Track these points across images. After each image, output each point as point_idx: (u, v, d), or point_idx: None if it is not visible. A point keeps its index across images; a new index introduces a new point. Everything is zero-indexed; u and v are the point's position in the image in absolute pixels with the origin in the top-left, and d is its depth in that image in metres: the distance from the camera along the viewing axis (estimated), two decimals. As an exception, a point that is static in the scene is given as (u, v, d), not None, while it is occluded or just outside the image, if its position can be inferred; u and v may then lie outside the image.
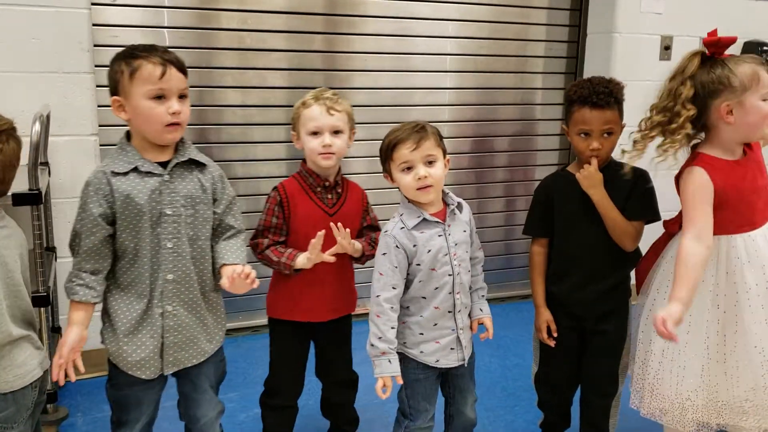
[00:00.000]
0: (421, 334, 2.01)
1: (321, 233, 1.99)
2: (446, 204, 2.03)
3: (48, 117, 2.49)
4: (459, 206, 2.04)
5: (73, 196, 2.77)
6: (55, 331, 2.73)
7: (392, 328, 1.95)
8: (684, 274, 1.89)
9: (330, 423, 2.43)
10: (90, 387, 2.81)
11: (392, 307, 1.95)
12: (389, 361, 1.93)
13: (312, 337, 2.23)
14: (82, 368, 1.76)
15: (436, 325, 2.00)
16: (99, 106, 2.84)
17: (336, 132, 2.08)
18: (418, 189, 1.93)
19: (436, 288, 1.98)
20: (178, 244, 1.80)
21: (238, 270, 1.80)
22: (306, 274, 2.07)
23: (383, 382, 1.93)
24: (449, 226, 2.00)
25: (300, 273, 2.07)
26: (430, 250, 1.96)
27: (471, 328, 2.10)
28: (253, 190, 3.38)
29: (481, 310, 2.12)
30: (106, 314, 1.84)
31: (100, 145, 2.85)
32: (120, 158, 1.78)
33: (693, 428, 2.03)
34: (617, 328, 2.21)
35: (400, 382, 1.98)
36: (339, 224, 2.04)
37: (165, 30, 3.07)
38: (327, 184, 2.12)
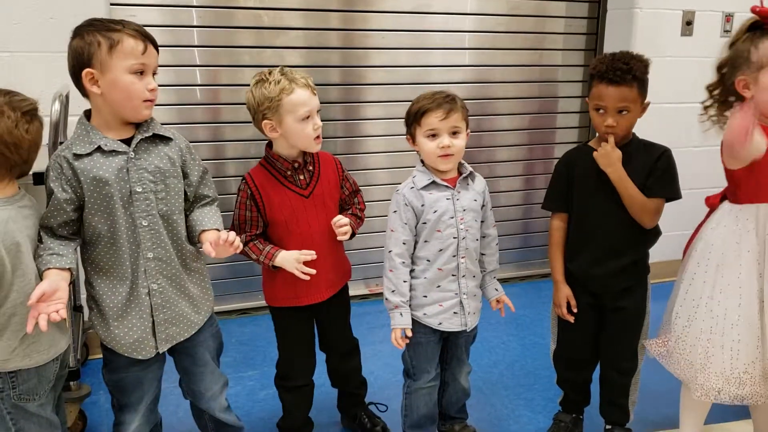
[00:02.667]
0: (425, 296, 2.08)
1: (311, 253, 2.01)
2: (459, 173, 2.09)
3: (67, 97, 2.50)
4: (471, 175, 2.10)
5: (93, 175, 2.80)
6: (77, 309, 2.75)
7: (404, 281, 2.06)
8: None
9: (338, 391, 2.44)
10: (112, 365, 2.85)
11: (403, 262, 2.05)
12: (401, 314, 2.05)
13: (314, 315, 2.24)
14: (56, 317, 1.57)
15: (439, 287, 2.07)
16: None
17: (318, 111, 2.05)
18: (439, 156, 2.01)
19: (440, 250, 2.05)
20: (153, 221, 1.78)
21: (223, 236, 1.78)
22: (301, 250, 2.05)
23: (395, 335, 2.04)
24: (459, 192, 2.06)
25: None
26: (436, 211, 2.03)
27: (491, 305, 2.18)
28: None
29: (496, 290, 2.20)
30: (92, 300, 1.82)
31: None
32: (81, 139, 1.72)
33: (753, 401, 1.99)
34: (636, 304, 2.20)
35: (410, 335, 2.05)
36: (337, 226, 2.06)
37: (181, 9, 3.05)
38: (296, 165, 2.06)
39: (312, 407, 2.34)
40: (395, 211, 2.06)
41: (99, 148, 1.71)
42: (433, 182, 2.05)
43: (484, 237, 2.16)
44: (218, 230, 1.86)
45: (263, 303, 3.45)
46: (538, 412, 2.59)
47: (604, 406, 2.34)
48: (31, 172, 1.99)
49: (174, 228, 1.83)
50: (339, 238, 2.09)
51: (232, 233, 1.81)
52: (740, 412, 2.37)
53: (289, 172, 2.06)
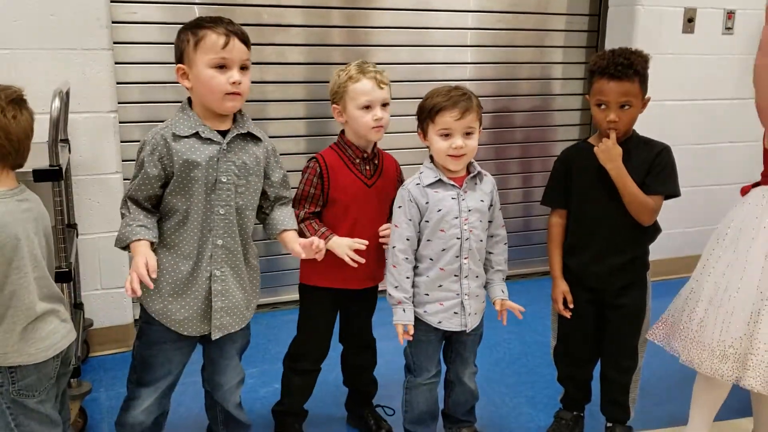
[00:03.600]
0: (427, 294, 2.07)
1: (363, 243, 2.04)
2: (468, 172, 2.07)
3: (67, 93, 2.50)
4: (479, 175, 2.08)
5: (93, 172, 2.81)
6: (77, 306, 2.75)
7: (407, 278, 2.06)
8: None
9: (350, 389, 2.45)
10: (113, 362, 2.85)
11: (407, 258, 2.04)
12: (404, 310, 2.05)
13: (340, 304, 2.25)
14: (151, 285, 1.72)
15: (440, 286, 2.06)
16: (118, 83, 2.85)
17: (384, 105, 2.10)
18: (449, 155, 1.99)
19: (443, 249, 2.04)
20: (229, 211, 1.85)
21: (316, 242, 1.89)
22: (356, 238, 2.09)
23: (398, 329, 2.05)
24: (465, 192, 2.04)
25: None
26: (440, 210, 2.02)
27: (495, 306, 2.17)
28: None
29: (502, 291, 2.18)
30: None
31: (120, 122, 2.86)
32: (182, 121, 1.82)
33: (729, 380, 2.01)
34: (635, 302, 2.20)
35: (412, 331, 2.06)
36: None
37: (182, 6, 3.05)
38: (366, 155, 2.13)
39: (311, 401, 2.35)
40: (400, 207, 2.06)
41: (197, 134, 1.81)
42: (440, 180, 2.03)
43: (492, 237, 2.15)
44: (296, 230, 1.99)
45: (264, 301, 3.48)
46: (539, 409, 2.59)
47: (605, 403, 2.34)
48: (30, 169, 1.99)
49: (245, 222, 1.90)
50: (385, 247, 2.15)
51: (322, 242, 1.92)
52: (746, 409, 2.36)
53: (358, 160, 2.13)
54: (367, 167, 2.15)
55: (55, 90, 2.21)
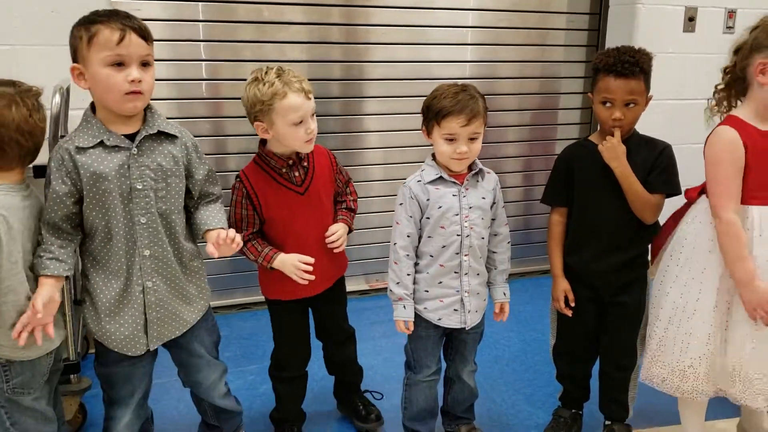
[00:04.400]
0: (426, 291, 2.07)
1: (307, 259, 2.01)
2: (469, 169, 2.06)
3: (68, 90, 2.50)
4: (481, 173, 2.08)
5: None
6: (77, 303, 2.75)
7: (408, 274, 2.05)
8: (743, 250, 1.90)
9: (335, 378, 2.45)
10: (112, 358, 2.85)
11: (407, 255, 2.05)
12: (404, 306, 2.05)
13: (310, 305, 2.24)
14: (51, 333, 1.68)
15: (440, 283, 2.06)
16: (118, 80, 2.84)
17: (312, 115, 2.00)
18: (453, 159, 1.98)
19: (443, 246, 2.03)
20: (152, 219, 1.76)
21: (222, 235, 1.77)
22: (300, 255, 2.04)
23: (398, 326, 2.06)
24: (467, 189, 2.04)
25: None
26: (440, 207, 2.01)
27: (495, 308, 2.18)
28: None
29: (504, 294, 2.18)
30: (86, 293, 1.82)
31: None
32: (85, 132, 1.71)
33: (692, 396, 2.05)
34: (635, 300, 2.21)
35: (412, 327, 2.06)
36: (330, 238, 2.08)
37: (183, 3, 3.05)
38: (291, 162, 2.04)
39: (307, 398, 2.36)
40: (401, 204, 2.05)
41: (102, 143, 1.70)
42: (441, 177, 2.03)
43: (495, 235, 2.15)
44: (223, 229, 1.85)
45: (263, 298, 3.47)
46: (537, 407, 2.59)
47: (604, 401, 2.34)
48: (30, 165, 1.99)
49: (172, 226, 1.82)
50: (336, 251, 2.11)
51: (232, 230, 1.80)
52: (735, 409, 2.36)
53: (284, 170, 2.04)
54: (296, 173, 2.05)
55: (56, 86, 2.21)
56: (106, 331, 1.80)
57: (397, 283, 2.06)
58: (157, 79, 2.97)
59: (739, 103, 2.04)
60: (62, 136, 2.52)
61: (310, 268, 2.01)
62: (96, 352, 1.89)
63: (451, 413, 2.32)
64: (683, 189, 2.13)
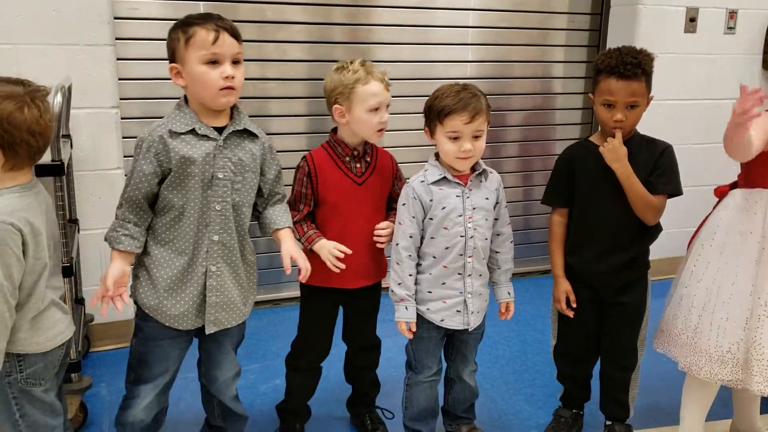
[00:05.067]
0: (429, 292, 2.07)
1: (346, 250, 2.04)
2: (473, 169, 2.06)
3: (69, 89, 2.50)
4: (485, 173, 2.07)
5: (95, 168, 2.81)
6: (79, 302, 2.75)
7: (410, 275, 2.05)
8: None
9: (352, 388, 2.45)
10: (114, 358, 2.86)
11: (410, 255, 2.04)
12: (406, 307, 2.05)
13: (342, 302, 2.25)
14: (128, 302, 1.83)
15: (444, 284, 2.06)
16: (120, 79, 2.85)
17: (387, 106, 2.09)
18: (458, 158, 1.98)
19: (447, 248, 2.03)
20: (226, 207, 1.86)
21: (303, 273, 1.94)
22: (333, 241, 2.08)
23: (400, 327, 2.06)
24: (470, 190, 2.03)
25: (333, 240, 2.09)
26: (444, 207, 2.01)
27: (501, 308, 2.18)
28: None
29: (509, 293, 2.18)
30: (143, 267, 1.89)
31: (121, 118, 2.86)
32: (179, 119, 1.82)
33: (733, 385, 2.03)
34: (636, 300, 2.21)
35: (414, 329, 2.06)
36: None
37: (184, 2, 3.05)
38: (356, 153, 2.12)
39: (314, 400, 2.36)
40: (404, 204, 2.05)
41: (193, 130, 1.81)
42: (444, 178, 2.02)
43: (498, 235, 2.14)
44: (291, 228, 2.01)
45: (266, 297, 3.49)
46: (538, 407, 2.59)
47: (604, 401, 2.34)
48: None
49: (241, 218, 1.91)
50: (378, 245, 2.14)
51: (308, 268, 1.95)
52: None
53: (347, 158, 2.11)
54: (358, 165, 2.13)
55: (57, 85, 2.21)
56: (162, 305, 1.87)
57: (399, 284, 2.05)
58: (157, 79, 3.01)
59: None
60: (64, 135, 2.53)
61: (343, 255, 2.04)
62: (136, 328, 1.93)
63: (451, 413, 2.32)
64: (692, 191, 2.13)
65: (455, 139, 1.97)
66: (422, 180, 2.04)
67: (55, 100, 2.15)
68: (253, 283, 2.02)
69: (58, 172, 2.13)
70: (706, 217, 2.19)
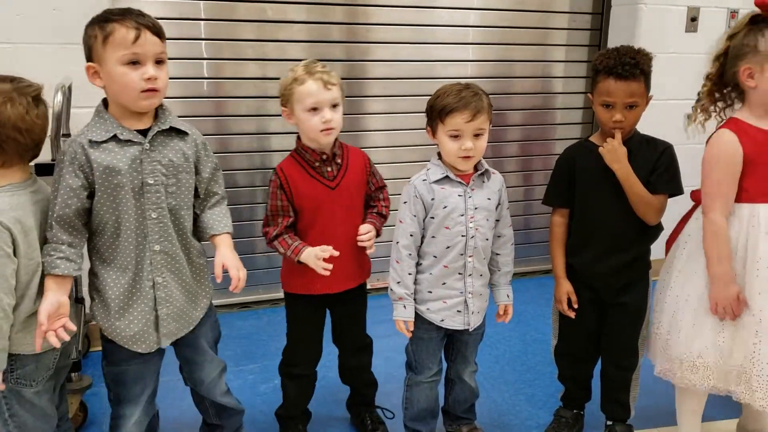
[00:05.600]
0: (430, 292, 2.07)
1: (328, 249, 2.00)
2: (475, 169, 2.05)
3: (70, 88, 2.49)
4: (487, 173, 2.07)
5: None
6: (78, 301, 2.74)
7: (410, 274, 2.04)
8: (724, 250, 1.93)
9: (350, 389, 2.45)
10: (113, 357, 2.85)
11: (410, 254, 2.04)
12: (404, 306, 2.04)
13: (327, 306, 2.24)
14: (65, 336, 1.67)
15: (444, 284, 2.05)
16: (120, 78, 2.84)
17: (334, 106, 2.03)
18: (460, 157, 1.97)
19: (447, 247, 2.02)
20: (162, 214, 1.78)
21: (234, 283, 1.83)
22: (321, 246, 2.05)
23: (398, 326, 2.06)
24: (472, 189, 2.03)
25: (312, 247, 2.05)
26: (446, 206, 2.00)
27: (499, 310, 2.17)
28: (269, 163, 3.38)
29: (507, 296, 2.17)
30: (95, 290, 1.82)
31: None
32: (97, 126, 1.72)
33: (703, 389, 2.04)
34: (637, 300, 2.20)
35: (411, 327, 2.06)
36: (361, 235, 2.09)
37: (182, 2, 3.05)
38: (324, 157, 2.07)
39: (314, 401, 2.35)
40: (405, 203, 2.04)
41: (115, 137, 1.71)
42: (447, 177, 2.02)
43: (500, 237, 2.14)
44: (229, 233, 1.91)
45: (264, 297, 3.49)
46: (539, 407, 2.59)
47: (605, 401, 2.34)
48: (33, 163, 2.00)
49: (181, 222, 1.83)
50: (368, 251, 2.12)
51: (243, 275, 1.85)
52: (737, 409, 2.36)
53: (317, 164, 2.07)
54: (329, 168, 2.08)
55: (58, 84, 2.21)
56: (116, 327, 1.80)
57: (398, 282, 2.05)
58: (158, 78, 3.01)
59: (718, 108, 2.08)
60: (65, 134, 2.53)
61: (328, 255, 2.01)
62: (104, 351, 1.88)
63: (452, 413, 2.32)
64: (688, 190, 2.13)
65: (456, 137, 1.96)
66: (424, 179, 2.03)
67: (56, 100, 2.15)
68: (204, 284, 1.95)
69: (58, 171, 2.12)
70: (683, 220, 2.19)
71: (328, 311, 2.26)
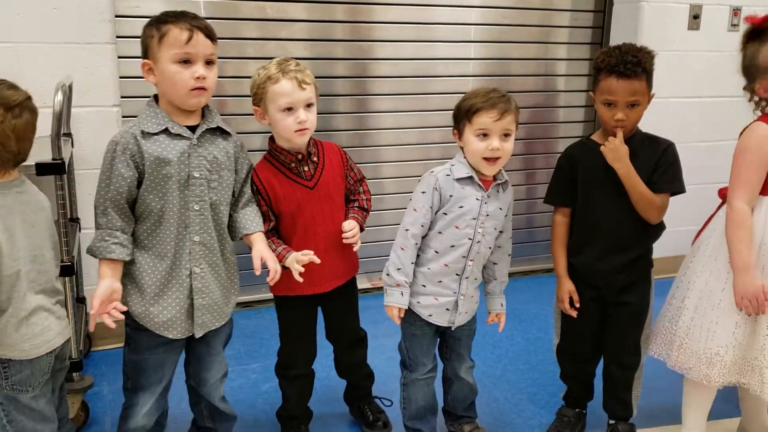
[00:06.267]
0: (424, 286, 2.07)
1: (309, 254, 1.98)
2: (494, 178, 2.05)
3: (70, 87, 2.49)
4: (505, 185, 2.07)
5: (96, 167, 2.77)
6: (80, 301, 2.75)
7: (412, 263, 2.04)
8: (746, 239, 1.93)
9: (347, 382, 2.44)
10: (115, 357, 2.84)
11: (416, 243, 2.04)
12: (401, 293, 2.03)
13: (319, 304, 2.23)
14: (119, 315, 1.77)
15: (440, 282, 2.06)
16: (121, 77, 2.84)
17: (308, 105, 2.00)
18: (485, 158, 1.96)
19: (452, 246, 2.02)
20: (204, 207, 1.84)
21: (273, 270, 1.90)
22: (298, 250, 2.02)
23: (391, 312, 2.04)
24: (489, 197, 2.02)
25: (297, 250, 2.02)
26: (462, 207, 2.00)
27: (490, 317, 2.19)
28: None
29: (501, 305, 2.18)
30: (129, 277, 1.85)
31: (123, 116, 2.85)
32: (150, 119, 1.80)
33: (718, 384, 2.05)
34: (639, 299, 2.20)
35: (402, 314, 2.05)
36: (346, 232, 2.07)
37: (183, 1, 3.04)
38: (300, 157, 2.05)
39: (313, 398, 2.35)
40: (423, 192, 2.02)
41: (166, 130, 1.79)
42: (471, 177, 2.00)
43: (499, 247, 2.14)
44: (261, 232, 1.98)
45: (267, 296, 3.48)
46: (541, 406, 2.59)
47: (608, 400, 2.34)
48: (33, 163, 2.00)
49: (219, 217, 1.89)
50: (355, 248, 2.11)
51: (279, 269, 1.92)
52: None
53: (293, 164, 2.05)
54: (306, 168, 2.06)
55: (58, 84, 2.21)
56: (149, 312, 1.84)
57: (399, 269, 2.03)
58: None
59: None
60: (65, 134, 2.53)
61: (308, 260, 1.98)
62: (128, 338, 1.91)
63: (452, 413, 2.32)
64: (695, 189, 2.13)
65: (484, 136, 1.95)
66: (448, 173, 2.01)
67: (56, 99, 2.15)
68: (235, 282, 2.00)
69: (59, 170, 2.12)
70: (711, 216, 2.18)
71: (320, 309, 2.25)
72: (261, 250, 1.93)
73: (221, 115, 3.22)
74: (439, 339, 2.20)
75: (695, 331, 2.07)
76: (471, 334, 2.22)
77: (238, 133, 3.24)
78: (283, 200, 2.04)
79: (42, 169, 2.07)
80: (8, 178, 1.67)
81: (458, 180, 2.00)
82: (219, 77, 3.15)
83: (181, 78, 1.75)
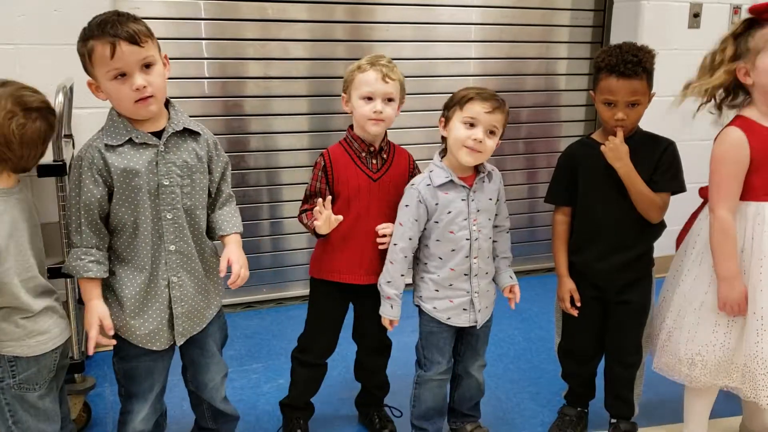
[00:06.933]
0: (437, 291, 2.08)
1: (320, 201, 1.99)
2: (477, 171, 2.04)
3: (71, 89, 2.49)
4: (489, 175, 2.07)
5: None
6: (80, 302, 2.74)
7: (402, 275, 2.07)
8: (731, 248, 1.95)
9: (361, 386, 2.45)
10: (117, 357, 2.86)
11: (405, 257, 2.05)
12: (391, 306, 2.07)
13: (352, 300, 2.25)
14: (111, 341, 1.79)
15: (451, 285, 2.07)
16: (122, 79, 2.84)
17: (388, 100, 2.07)
18: (467, 147, 1.96)
19: (453, 250, 2.03)
20: (177, 214, 1.80)
21: (234, 273, 1.86)
22: (343, 234, 2.08)
23: (384, 321, 2.10)
24: (475, 192, 2.03)
25: (338, 233, 2.07)
26: (450, 212, 2.01)
27: (504, 293, 2.18)
28: (274, 163, 3.38)
29: (510, 277, 2.18)
30: (109, 290, 1.82)
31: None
32: (111, 131, 1.74)
33: (701, 384, 2.07)
34: (640, 298, 2.20)
35: (395, 324, 2.09)
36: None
37: (185, 1, 3.05)
38: (372, 149, 2.11)
39: (319, 398, 2.35)
40: (407, 206, 2.03)
41: (130, 140, 1.73)
42: (451, 181, 2.01)
43: (496, 227, 2.14)
44: (238, 233, 1.94)
45: (268, 297, 3.48)
46: (543, 405, 2.59)
47: (609, 399, 2.34)
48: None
49: (196, 222, 1.85)
50: (380, 246, 2.12)
51: (245, 274, 1.88)
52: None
53: (363, 154, 2.11)
54: (374, 161, 2.12)
55: (59, 85, 2.21)
56: (131, 326, 1.81)
57: (389, 282, 2.06)
58: (160, 78, 3.01)
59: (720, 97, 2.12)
60: (66, 135, 2.53)
61: (333, 218, 2.01)
62: (116, 347, 1.90)
63: (457, 410, 2.32)
64: (696, 187, 2.13)
65: (471, 126, 1.96)
66: (428, 183, 2.02)
67: (57, 101, 2.15)
68: (217, 283, 1.97)
69: (60, 172, 2.12)
70: (693, 216, 2.19)
71: (351, 307, 2.27)
72: (231, 251, 1.90)
73: (223, 116, 3.26)
74: (455, 338, 2.19)
75: (675, 334, 2.10)
76: (488, 331, 2.22)
77: (239, 134, 3.25)
78: (344, 182, 2.09)
79: (43, 170, 2.08)
80: (8, 184, 1.66)
81: (439, 187, 2.01)
82: (219, 77, 3.20)
83: (121, 94, 1.67)
